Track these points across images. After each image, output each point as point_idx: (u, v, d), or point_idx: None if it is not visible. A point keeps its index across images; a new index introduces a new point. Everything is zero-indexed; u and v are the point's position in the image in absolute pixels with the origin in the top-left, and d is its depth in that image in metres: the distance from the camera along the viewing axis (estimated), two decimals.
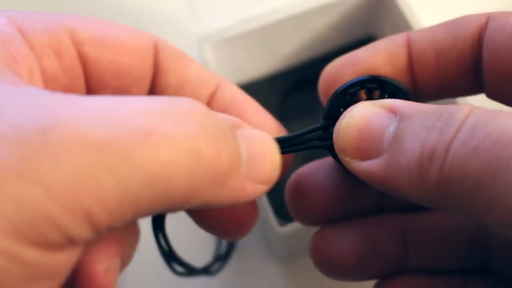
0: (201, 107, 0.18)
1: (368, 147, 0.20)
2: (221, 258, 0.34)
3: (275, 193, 0.35)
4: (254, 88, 0.43)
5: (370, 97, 0.23)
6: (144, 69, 0.22)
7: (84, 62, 0.21)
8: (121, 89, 0.22)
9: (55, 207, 0.14)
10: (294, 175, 0.25)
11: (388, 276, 0.25)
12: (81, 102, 0.15)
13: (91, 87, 0.22)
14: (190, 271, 0.26)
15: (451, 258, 0.24)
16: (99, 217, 0.15)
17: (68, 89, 0.21)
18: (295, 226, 0.33)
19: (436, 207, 0.19)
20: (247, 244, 0.40)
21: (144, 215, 0.16)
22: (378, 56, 0.23)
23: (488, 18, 0.22)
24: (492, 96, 0.23)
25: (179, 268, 0.25)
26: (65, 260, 0.15)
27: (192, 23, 0.44)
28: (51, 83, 0.20)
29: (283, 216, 0.34)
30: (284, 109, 0.43)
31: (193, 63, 0.24)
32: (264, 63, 0.43)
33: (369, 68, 0.23)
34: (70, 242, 0.15)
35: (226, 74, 0.41)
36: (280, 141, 0.22)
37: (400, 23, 0.40)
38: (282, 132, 0.24)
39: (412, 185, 0.18)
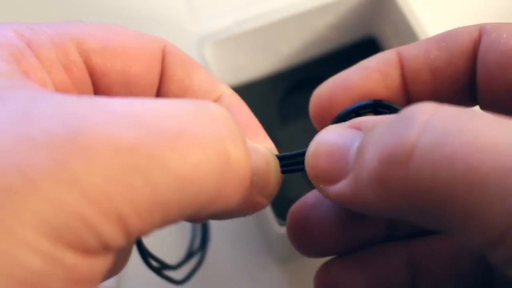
0: (227, 112, 0.18)
1: (336, 169, 0.19)
2: (193, 254, 0.35)
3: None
4: (254, 88, 0.43)
5: None
6: (152, 78, 0.22)
7: (92, 74, 0.21)
8: None
9: (90, 209, 0.14)
10: (296, 206, 0.24)
11: None
12: (108, 105, 0.15)
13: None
14: (162, 266, 0.28)
15: (458, 282, 0.23)
16: (132, 222, 0.14)
17: None
18: None
19: (408, 219, 0.17)
20: (247, 244, 0.40)
21: (171, 221, 0.16)
22: (372, 79, 0.23)
23: (481, 31, 0.21)
24: (486, 109, 0.22)
25: (154, 263, 0.26)
26: (101, 266, 0.15)
27: (192, 23, 0.44)
28: None
29: (283, 216, 0.34)
30: (284, 109, 0.43)
31: (198, 70, 0.23)
32: (264, 63, 0.43)
33: (363, 92, 0.23)
34: (105, 247, 0.15)
35: (226, 74, 0.41)
36: (279, 159, 0.21)
37: (400, 23, 0.40)
38: (274, 151, 0.23)
39: (378, 198, 0.17)
